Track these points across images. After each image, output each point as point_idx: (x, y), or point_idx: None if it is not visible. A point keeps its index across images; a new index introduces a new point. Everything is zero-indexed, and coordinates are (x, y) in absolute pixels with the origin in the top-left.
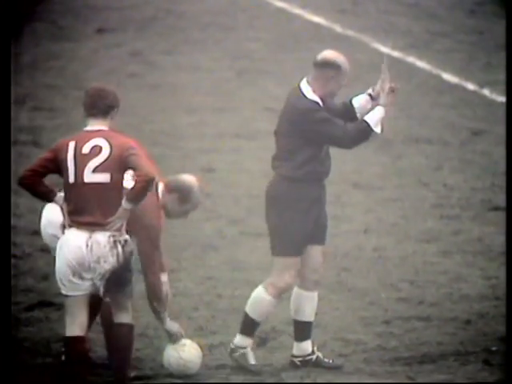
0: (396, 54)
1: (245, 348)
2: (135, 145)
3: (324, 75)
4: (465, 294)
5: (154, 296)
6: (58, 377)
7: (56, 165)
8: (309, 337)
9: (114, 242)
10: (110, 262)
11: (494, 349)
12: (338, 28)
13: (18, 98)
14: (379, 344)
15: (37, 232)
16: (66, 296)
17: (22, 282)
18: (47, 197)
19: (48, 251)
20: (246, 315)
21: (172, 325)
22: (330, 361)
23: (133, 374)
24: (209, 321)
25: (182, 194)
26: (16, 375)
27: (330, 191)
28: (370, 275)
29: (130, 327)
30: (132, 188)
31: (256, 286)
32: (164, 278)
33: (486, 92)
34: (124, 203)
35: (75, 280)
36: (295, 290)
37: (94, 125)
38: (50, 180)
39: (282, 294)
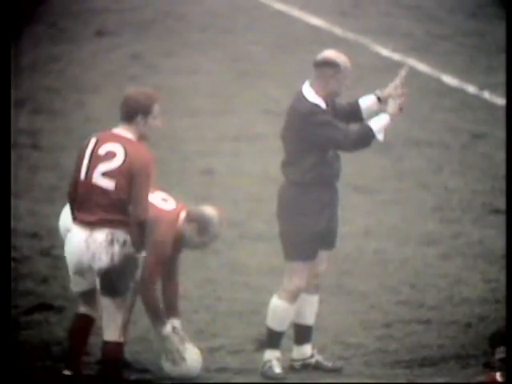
0: (396, 56)
1: (271, 360)
2: (151, 163)
3: (323, 74)
4: (465, 297)
5: (148, 311)
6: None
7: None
8: (309, 340)
9: (111, 240)
10: (103, 260)
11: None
12: (338, 30)
13: (17, 100)
14: (379, 347)
15: (36, 235)
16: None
17: (22, 285)
18: None
19: (48, 254)
20: (268, 329)
21: (170, 344)
22: (330, 364)
23: (133, 377)
24: (209, 324)
25: (200, 225)
26: (16, 378)
27: None
28: (370, 278)
29: (113, 345)
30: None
31: (256, 288)
32: (177, 323)
33: (486, 95)
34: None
35: (77, 277)
36: None
37: (119, 129)
38: (50, 179)
39: (295, 298)
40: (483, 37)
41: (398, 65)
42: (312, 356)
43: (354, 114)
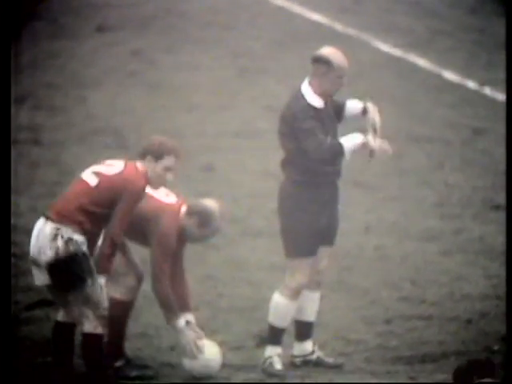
0: (397, 52)
1: (272, 357)
2: (143, 192)
3: (317, 71)
4: (466, 293)
5: (161, 304)
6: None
7: None
8: (310, 336)
9: (55, 234)
10: (47, 255)
11: (495, 348)
12: (338, 26)
13: (18, 96)
14: (380, 343)
15: None
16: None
17: (23, 281)
18: None
19: None
20: (269, 325)
21: (186, 337)
22: (331, 360)
23: (133, 373)
24: (209, 320)
25: (201, 218)
26: (16, 374)
27: None
28: (370, 274)
29: (89, 337)
30: (98, 254)
31: (257, 284)
32: (190, 317)
33: (486, 90)
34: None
35: (34, 269)
36: None
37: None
38: (51, 175)
39: (297, 295)
40: (483, 33)
41: (399, 61)
42: (313, 352)
43: (338, 113)
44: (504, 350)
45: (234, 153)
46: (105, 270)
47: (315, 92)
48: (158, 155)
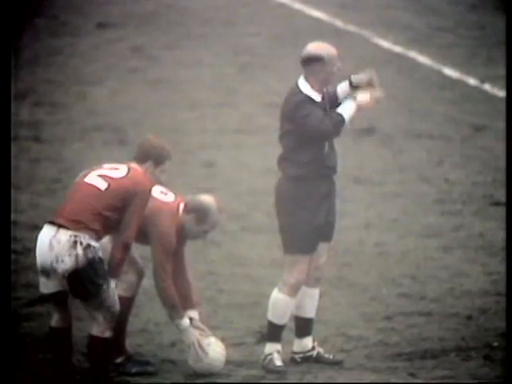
0: (397, 48)
1: (272, 354)
2: (150, 192)
3: (311, 70)
4: (466, 289)
5: (164, 302)
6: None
7: None
8: (310, 333)
9: (74, 242)
10: (66, 262)
11: (495, 344)
12: (338, 23)
13: (18, 93)
14: (380, 339)
15: (37, 227)
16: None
17: (23, 277)
18: None
19: None
20: (268, 322)
21: (189, 338)
22: (331, 356)
23: (134, 369)
24: (210, 316)
25: (199, 214)
26: (17, 370)
27: None
28: (371, 271)
29: (96, 340)
30: (110, 259)
31: (257, 281)
32: (194, 314)
33: (487, 87)
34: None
35: (43, 278)
36: None
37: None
38: (51, 171)
39: (296, 292)
40: (484, 29)
41: (399, 57)
42: (313, 349)
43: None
44: (504, 346)
45: (235, 149)
46: (116, 274)
47: (313, 88)
48: (160, 161)
